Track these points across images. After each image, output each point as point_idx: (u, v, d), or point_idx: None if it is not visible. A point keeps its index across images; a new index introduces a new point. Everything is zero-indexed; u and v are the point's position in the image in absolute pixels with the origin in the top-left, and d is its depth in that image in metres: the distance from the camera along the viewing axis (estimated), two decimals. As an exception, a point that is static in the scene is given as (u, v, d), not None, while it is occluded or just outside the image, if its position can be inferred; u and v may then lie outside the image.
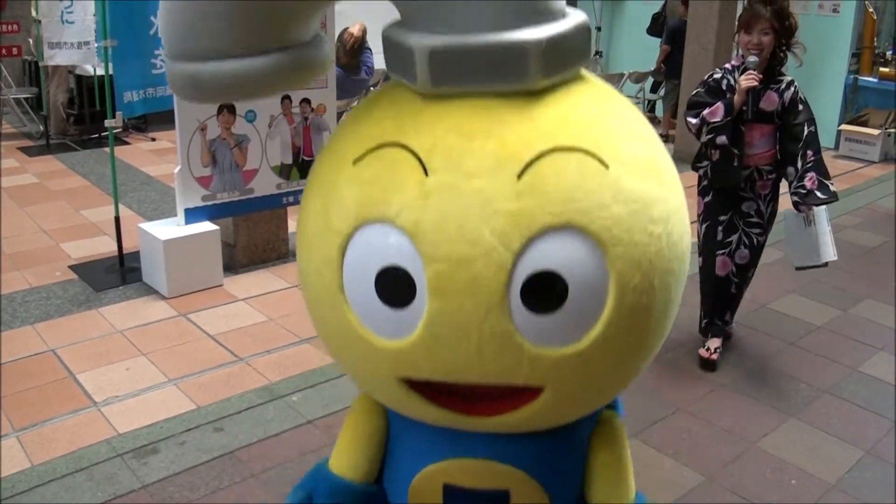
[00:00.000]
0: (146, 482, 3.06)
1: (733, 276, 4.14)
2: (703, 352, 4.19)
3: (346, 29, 7.17)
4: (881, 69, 9.79)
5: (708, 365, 4.14)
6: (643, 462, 3.27)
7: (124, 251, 5.20)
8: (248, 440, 3.34)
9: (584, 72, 1.79)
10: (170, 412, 3.54)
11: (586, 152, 1.61)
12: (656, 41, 10.51)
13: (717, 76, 4.07)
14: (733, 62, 4.12)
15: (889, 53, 10.10)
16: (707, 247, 4.17)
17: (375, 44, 7.75)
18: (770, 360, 4.24)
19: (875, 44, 9.95)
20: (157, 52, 5.23)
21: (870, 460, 3.37)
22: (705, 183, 4.12)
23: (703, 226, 4.19)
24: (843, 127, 9.57)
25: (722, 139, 3.85)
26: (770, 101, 3.98)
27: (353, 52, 7.23)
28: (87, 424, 3.44)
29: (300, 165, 5.31)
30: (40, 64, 8.27)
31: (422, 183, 1.58)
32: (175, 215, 4.92)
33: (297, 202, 5.36)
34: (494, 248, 1.54)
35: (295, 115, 5.19)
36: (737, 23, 3.85)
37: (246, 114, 4.94)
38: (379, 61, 8.03)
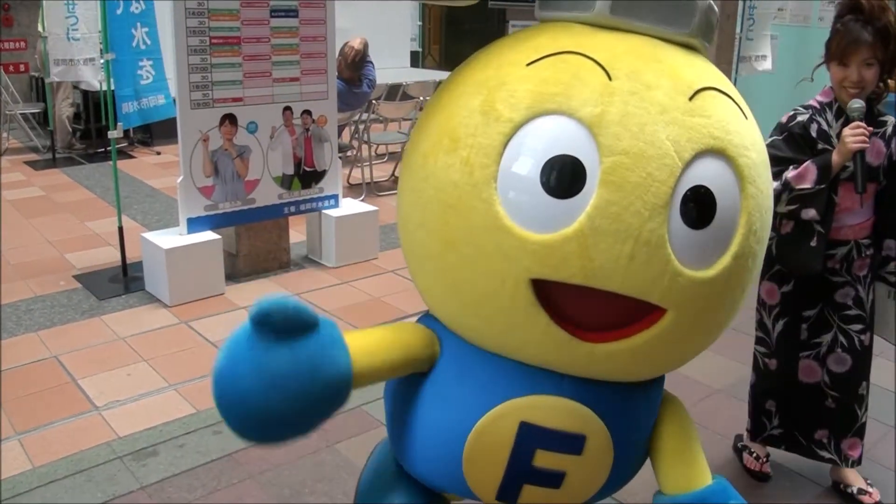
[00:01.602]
0: (145, 483, 3.09)
1: (828, 386, 3.09)
2: (750, 461, 3.33)
3: (347, 43, 7.25)
4: (881, 82, 9.82)
5: (762, 477, 3.29)
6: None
7: (128, 261, 5.25)
8: (246, 443, 3.37)
9: None
10: (169, 416, 3.58)
11: (734, 100, 1.82)
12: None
13: (803, 119, 2.91)
14: (819, 98, 2.97)
15: (889, 65, 10.12)
16: (784, 348, 3.13)
17: (377, 58, 7.84)
18: (766, 366, 4.26)
19: None
20: (141, 63, 5.30)
21: (866, 464, 3.38)
22: (777, 266, 3.04)
23: (780, 322, 3.10)
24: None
25: (811, 213, 2.80)
26: (876, 153, 2.87)
27: (355, 65, 7.30)
28: (88, 428, 3.48)
29: (301, 176, 5.37)
30: (46, 80, 8.36)
31: (605, 84, 1.69)
32: (178, 225, 4.97)
33: (298, 212, 5.43)
34: (669, 153, 1.66)
35: (296, 126, 5.25)
36: (825, 48, 2.88)
37: (248, 125, 5.00)
38: (381, 75, 8.11)
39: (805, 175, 2.76)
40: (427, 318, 2.06)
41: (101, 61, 5.72)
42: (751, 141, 1.80)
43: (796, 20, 9.95)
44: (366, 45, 7.39)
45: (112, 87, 5.11)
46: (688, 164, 1.66)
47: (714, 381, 4.05)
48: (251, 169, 5.09)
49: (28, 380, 3.89)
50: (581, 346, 1.76)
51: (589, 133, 1.65)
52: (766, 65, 9.23)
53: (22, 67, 9.56)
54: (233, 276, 5.26)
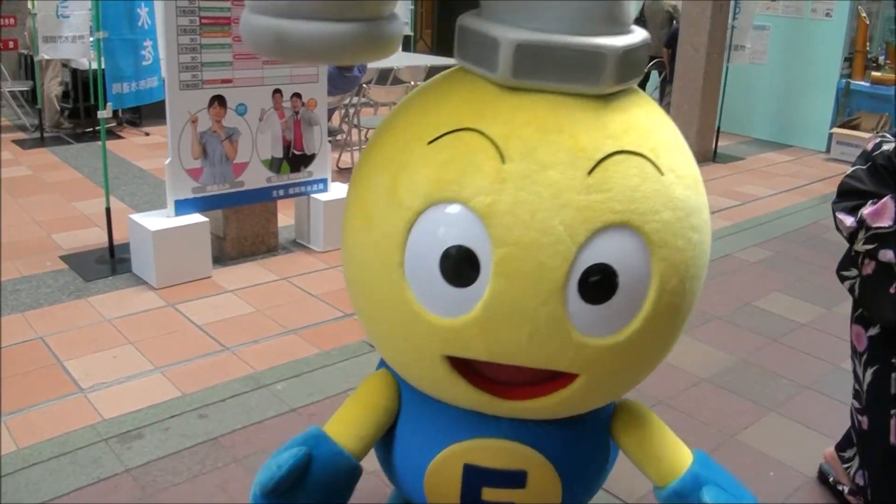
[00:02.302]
0: (130, 466, 3.08)
1: None
2: None
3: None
4: (873, 73, 9.87)
5: None
6: (621, 453, 3.30)
7: (115, 242, 5.22)
8: (232, 427, 3.37)
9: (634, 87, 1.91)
10: (155, 399, 3.57)
11: (646, 158, 1.72)
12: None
13: (888, 148, 2.49)
14: None
15: (881, 58, 10.17)
16: (876, 402, 2.59)
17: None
18: (752, 356, 4.28)
19: (867, 48, 10.01)
20: (144, 43, 5.27)
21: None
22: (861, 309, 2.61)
23: (869, 371, 2.61)
24: (835, 130, 9.64)
25: (888, 255, 2.41)
26: None
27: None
28: (73, 410, 3.47)
29: (290, 159, 5.34)
30: (35, 58, 8.29)
31: (498, 169, 1.66)
32: (166, 207, 4.94)
33: (287, 196, 5.40)
34: (562, 238, 1.64)
35: (286, 109, 5.22)
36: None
37: (237, 107, 4.97)
38: (373, 58, 8.05)
39: (882, 212, 2.39)
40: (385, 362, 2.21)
41: (91, 39, 5.69)
42: (664, 200, 1.72)
43: (788, 11, 9.95)
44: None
45: (102, 66, 5.06)
46: (583, 246, 1.65)
47: (700, 371, 4.06)
48: (240, 151, 5.06)
49: (13, 361, 3.87)
50: (504, 404, 1.87)
51: (481, 223, 1.65)
52: (744, 56, 9.22)
53: (11, 44, 9.46)
54: (220, 259, 5.24)
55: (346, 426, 2.10)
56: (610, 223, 1.66)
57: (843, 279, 2.69)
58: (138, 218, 4.94)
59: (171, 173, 4.81)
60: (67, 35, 7.86)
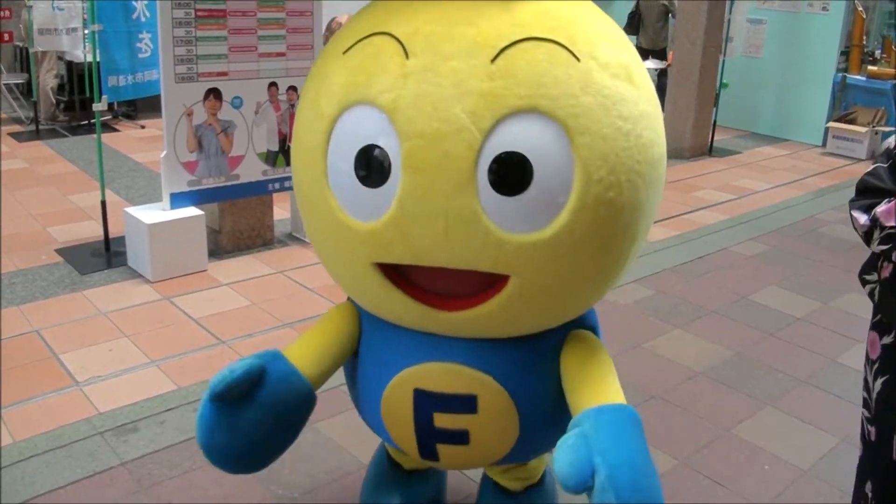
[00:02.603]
0: (125, 459, 3.08)
1: None
2: None
3: (334, 18, 7.19)
4: (869, 67, 9.87)
5: None
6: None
7: (110, 235, 5.21)
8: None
9: None
10: (150, 392, 3.56)
11: (559, 44, 1.70)
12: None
13: None
14: None
15: (878, 52, 10.17)
16: (883, 414, 2.39)
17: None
18: (748, 350, 4.28)
19: (864, 42, 10.01)
20: (141, 36, 5.26)
21: (844, 448, 3.41)
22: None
23: (880, 380, 2.39)
24: (831, 124, 9.65)
25: None
26: None
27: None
28: (68, 403, 3.46)
29: (286, 152, 5.33)
30: (30, 50, 8.26)
31: (402, 65, 1.69)
32: (161, 200, 4.93)
33: (283, 189, 5.39)
34: (465, 126, 1.63)
35: (282, 102, 5.20)
36: None
37: (232, 100, 4.95)
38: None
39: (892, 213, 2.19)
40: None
41: (86, 32, 5.67)
42: (581, 86, 1.68)
43: (785, 6, 9.95)
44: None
45: (97, 59, 5.04)
46: (489, 133, 1.64)
47: (696, 364, 4.06)
48: (235, 144, 5.05)
49: (8, 354, 3.86)
50: (441, 315, 1.86)
51: (388, 120, 1.68)
52: (733, 49, 9.19)
53: (6, 36, 9.44)
54: (216, 252, 5.23)
55: (304, 350, 2.10)
56: (517, 108, 1.64)
57: (864, 283, 2.47)
58: (134, 211, 4.93)
59: (167, 166, 4.80)
60: (62, 27, 7.84)
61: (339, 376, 2.29)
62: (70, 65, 9.13)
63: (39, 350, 3.92)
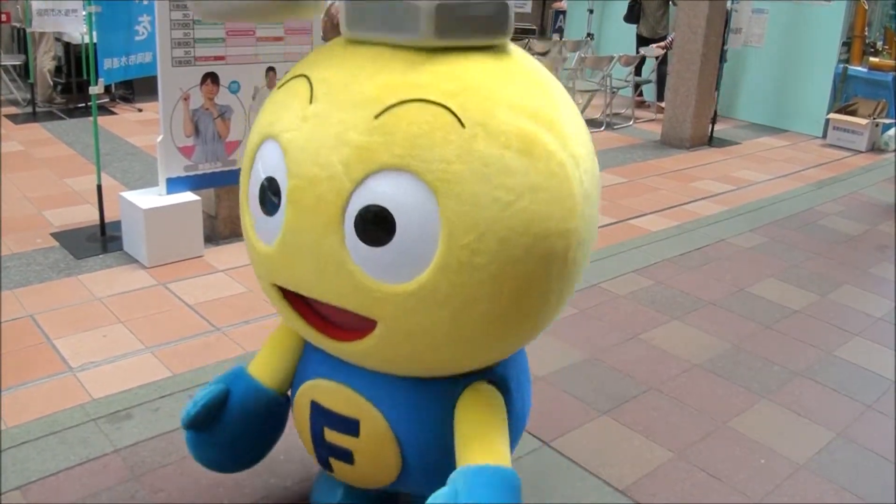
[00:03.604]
0: (119, 446, 3.06)
1: None
2: None
3: (332, 3, 7.14)
4: (871, 59, 9.85)
5: None
6: (613, 439, 3.30)
7: (106, 220, 5.18)
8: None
9: (512, 47, 1.99)
10: (145, 379, 3.54)
11: (447, 108, 1.75)
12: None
13: None
14: None
15: (879, 43, 10.14)
16: None
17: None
18: (745, 342, 4.27)
19: (866, 33, 9.97)
20: (140, 18, 5.21)
21: (840, 442, 3.41)
22: None
23: None
24: (832, 116, 9.62)
25: None
26: None
27: (339, 27, 7.20)
28: (62, 389, 3.44)
29: (284, 138, 5.29)
30: (27, 30, 8.21)
31: (305, 108, 1.83)
32: (157, 185, 4.90)
33: (280, 175, 5.34)
34: (338, 174, 1.75)
35: (280, 87, 5.16)
36: None
37: (230, 84, 4.92)
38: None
39: None
40: None
41: (84, 13, 5.62)
42: (458, 153, 1.71)
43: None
44: (353, 7, 7.28)
45: (94, 41, 5.00)
46: (359, 184, 1.74)
47: (693, 356, 4.05)
48: (232, 130, 5.01)
49: (3, 339, 3.84)
50: (328, 342, 2.01)
51: (283, 157, 1.84)
52: (738, 39, 9.16)
53: (3, 17, 9.38)
54: (212, 238, 5.21)
55: (263, 364, 2.35)
56: (388, 165, 1.73)
57: None
58: (130, 196, 4.90)
59: (163, 151, 4.76)
60: (60, 8, 7.79)
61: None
62: (68, 46, 9.09)
63: (33, 335, 3.90)
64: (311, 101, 1.82)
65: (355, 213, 1.75)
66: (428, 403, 2.10)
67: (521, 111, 1.81)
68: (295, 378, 2.33)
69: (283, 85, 1.96)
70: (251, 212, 1.99)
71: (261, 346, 2.42)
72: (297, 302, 2.01)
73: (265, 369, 2.34)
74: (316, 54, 2.02)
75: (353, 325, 1.93)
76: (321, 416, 2.17)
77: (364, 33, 1.90)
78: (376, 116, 1.75)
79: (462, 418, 2.06)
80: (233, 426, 2.30)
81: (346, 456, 2.17)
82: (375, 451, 2.12)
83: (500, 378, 2.20)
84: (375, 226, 1.74)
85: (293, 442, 2.91)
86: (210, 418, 2.27)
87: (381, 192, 1.73)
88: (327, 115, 1.79)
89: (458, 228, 1.72)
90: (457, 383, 2.11)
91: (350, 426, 2.11)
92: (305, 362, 2.28)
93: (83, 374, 3.57)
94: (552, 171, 1.81)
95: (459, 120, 1.74)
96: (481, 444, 1.98)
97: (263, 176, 1.91)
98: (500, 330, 1.93)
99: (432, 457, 2.12)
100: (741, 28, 9.00)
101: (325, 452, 2.24)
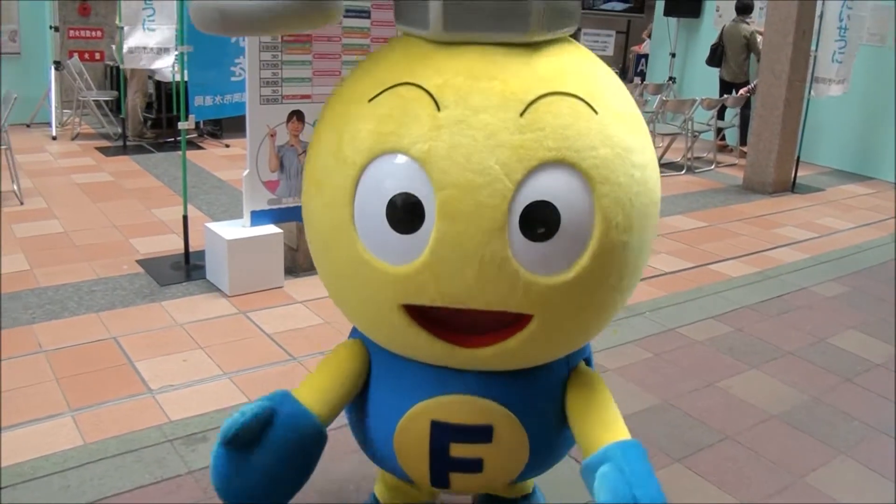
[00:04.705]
0: (193, 468, 3.13)
1: None
2: None
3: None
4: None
5: None
6: (685, 487, 3.24)
7: (190, 249, 5.34)
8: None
9: (569, 38, 2.03)
10: (221, 404, 3.62)
11: (579, 98, 1.81)
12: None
13: None
14: None
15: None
16: None
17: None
18: (824, 395, 4.16)
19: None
20: (236, 60, 5.39)
21: (864, 473, 3.29)
22: None
23: None
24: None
25: None
26: None
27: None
28: (141, 409, 3.54)
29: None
30: (121, 67, 8.55)
31: (434, 117, 1.77)
32: (242, 217, 5.03)
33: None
34: (498, 177, 1.73)
35: (362, 124, 5.26)
36: None
37: (314, 122, 5.04)
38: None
39: None
40: (357, 330, 2.29)
41: (176, 53, 5.84)
42: (601, 138, 1.80)
43: (872, 39, 9.71)
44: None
45: (185, 79, 5.19)
46: (521, 184, 1.74)
47: (770, 407, 3.96)
48: (315, 165, 5.12)
49: (85, 358, 3.97)
50: (463, 352, 1.95)
51: (422, 169, 1.76)
52: (827, 89, 8.97)
53: (97, 55, 9.81)
54: (292, 270, 5.31)
55: (313, 390, 2.18)
56: (545, 160, 1.75)
57: None
58: (214, 227, 5.04)
59: (249, 184, 4.90)
60: (152, 46, 8.12)
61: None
62: (159, 84, 9.42)
63: (116, 356, 4.02)
64: (438, 109, 1.78)
65: (520, 213, 1.75)
66: (544, 391, 2.15)
67: (620, 94, 1.93)
68: (381, 410, 2.19)
69: (375, 97, 1.86)
70: (363, 238, 1.86)
71: (307, 376, 2.29)
72: (421, 319, 1.95)
73: (316, 394, 2.16)
74: (398, 62, 1.93)
75: (494, 328, 1.93)
76: (446, 433, 2.08)
77: (465, 34, 1.87)
78: (521, 114, 1.76)
79: (579, 399, 2.14)
80: (273, 450, 2.09)
81: (475, 465, 2.13)
82: (508, 451, 2.12)
83: (588, 357, 2.33)
84: (542, 222, 1.76)
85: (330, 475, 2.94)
86: (252, 437, 2.07)
87: (543, 187, 1.75)
88: (467, 120, 1.76)
89: (610, 210, 1.79)
90: (562, 367, 2.17)
91: (482, 434, 2.08)
92: (400, 387, 2.14)
93: (162, 396, 3.66)
94: (650, 144, 1.99)
95: (592, 107, 1.81)
96: (607, 422, 2.08)
97: (392, 193, 1.80)
98: (620, 305, 2.04)
99: (551, 441, 2.19)
100: (829, 79, 8.81)
101: (446, 468, 2.15)
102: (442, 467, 2.15)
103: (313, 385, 2.21)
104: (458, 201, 1.74)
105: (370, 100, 1.87)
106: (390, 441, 2.16)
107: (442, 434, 2.08)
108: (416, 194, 1.77)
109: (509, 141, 1.74)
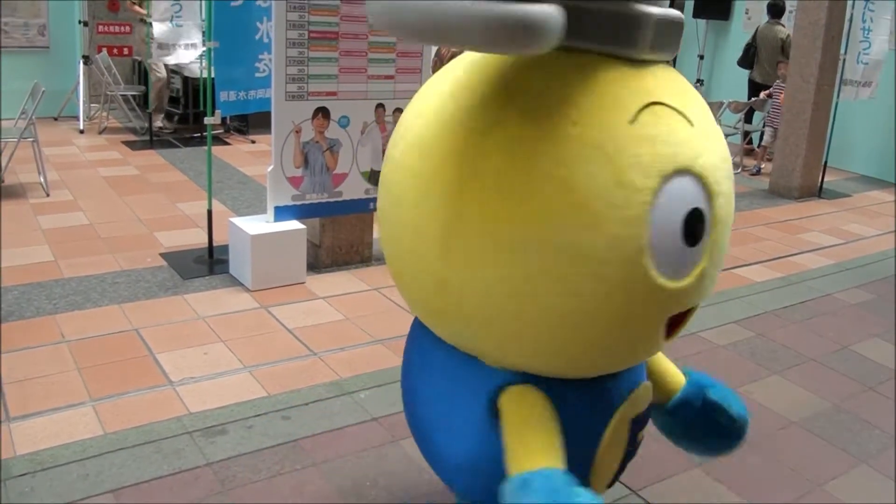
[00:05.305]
0: (211, 460, 3.15)
1: None
2: None
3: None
4: None
5: None
6: (704, 492, 3.23)
7: (214, 243, 5.37)
8: (313, 431, 3.41)
9: None
10: (241, 397, 3.64)
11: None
12: (755, 72, 10.45)
13: None
14: None
15: None
16: None
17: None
18: (846, 403, 4.12)
19: None
20: (260, 56, 5.41)
21: (868, 474, 3.25)
22: None
23: None
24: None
25: None
26: None
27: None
28: (161, 401, 3.57)
29: (388, 172, 5.38)
30: (148, 62, 8.61)
31: (692, 131, 1.88)
32: (265, 213, 5.06)
33: (382, 208, 5.44)
34: (731, 177, 2.00)
35: (388, 123, 5.28)
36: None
37: (339, 119, 5.06)
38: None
39: None
40: (523, 381, 2.06)
41: (202, 49, 5.87)
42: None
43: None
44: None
45: (212, 75, 5.21)
46: None
47: (791, 413, 3.93)
48: (340, 162, 5.15)
49: (107, 349, 4.01)
50: (665, 343, 2.07)
51: (701, 182, 1.85)
52: (868, 92, 8.89)
53: (126, 51, 9.89)
54: (314, 266, 5.33)
55: (552, 452, 1.94)
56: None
57: None
58: (238, 221, 5.07)
59: (273, 180, 4.92)
60: (180, 42, 8.18)
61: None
62: (186, 80, 9.48)
63: (137, 348, 4.05)
64: (692, 124, 1.89)
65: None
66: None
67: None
68: (584, 434, 2.06)
69: (635, 118, 1.80)
70: (656, 261, 1.81)
71: (521, 442, 1.97)
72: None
73: (560, 456, 1.94)
74: (609, 84, 1.84)
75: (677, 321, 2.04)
76: (638, 424, 2.24)
77: (658, 54, 1.92)
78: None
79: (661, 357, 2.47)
80: None
81: (637, 444, 2.30)
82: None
83: None
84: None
85: (382, 468, 2.95)
86: None
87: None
88: (708, 131, 1.94)
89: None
90: None
91: (648, 414, 2.30)
92: (597, 406, 2.09)
93: (182, 388, 3.69)
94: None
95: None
96: (675, 374, 2.48)
97: (684, 210, 1.82)
98: None
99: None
100: (856, 80, 8.73)
101: (628, 460, 2.29)
102: (626, 459, 2.26)
103: (547, 449, 1.95)
104: (727, 206, 1.94)
105: (631, 122, 1.80)
106: (589, 463, 2.07)
107: (636, 426, 2.22)
108: (702, 207, 1.86)
109: (723, 151, 1.98)
